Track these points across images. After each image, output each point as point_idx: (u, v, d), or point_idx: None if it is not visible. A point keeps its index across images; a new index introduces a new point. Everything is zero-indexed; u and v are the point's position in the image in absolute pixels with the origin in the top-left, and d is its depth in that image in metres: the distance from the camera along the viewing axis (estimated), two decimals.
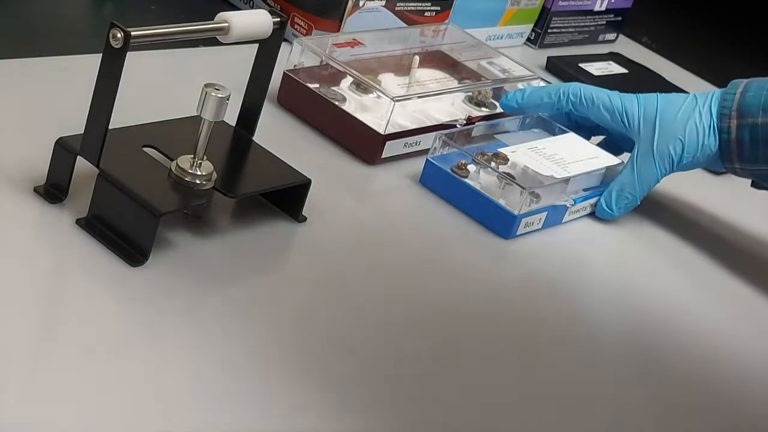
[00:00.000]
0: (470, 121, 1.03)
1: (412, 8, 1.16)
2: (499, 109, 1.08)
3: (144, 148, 0.80)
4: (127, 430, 0.63)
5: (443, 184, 0.95)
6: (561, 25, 1.37)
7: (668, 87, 1.35)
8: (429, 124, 1.01)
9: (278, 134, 0.94)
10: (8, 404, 0.61)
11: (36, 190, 0.78)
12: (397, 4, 1.14)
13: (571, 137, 1.02)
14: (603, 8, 1.41)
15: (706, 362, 0.87)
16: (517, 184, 0.92)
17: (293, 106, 1.01)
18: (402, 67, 1.05)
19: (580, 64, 1.31)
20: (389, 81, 1.03)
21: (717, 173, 1.14)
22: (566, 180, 0.96)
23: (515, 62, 1.13)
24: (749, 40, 1.65)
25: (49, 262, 0.75)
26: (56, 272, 0.75)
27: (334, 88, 1.01)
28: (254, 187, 0.84)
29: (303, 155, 0.90)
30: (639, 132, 0.98)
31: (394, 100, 0.96)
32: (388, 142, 0.97)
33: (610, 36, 1.46)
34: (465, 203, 0.94)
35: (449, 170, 0.94)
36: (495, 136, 1.01)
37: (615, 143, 1.05)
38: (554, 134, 1.03)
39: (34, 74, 0.93)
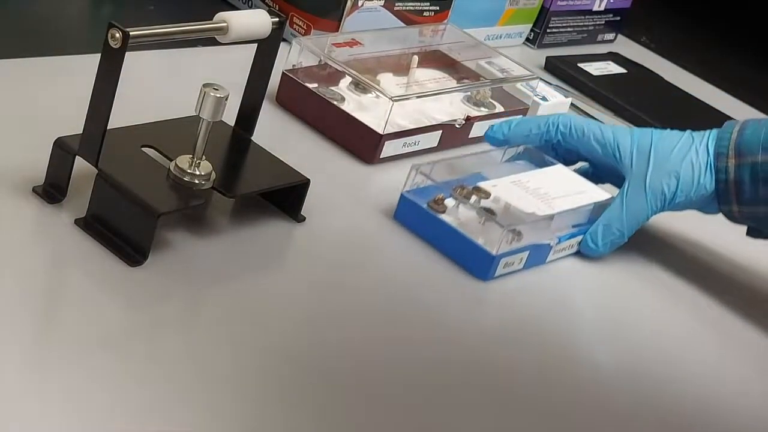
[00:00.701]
0: (469, 120, 1.03)
1: (411, 8, 1.16)
2: (498, 109, 1.08)
3: (143, 148, 0.80)
4: (126, 429, 0.63)
5: (418, 220, 0.88)
6: (560, 24, 1.37)
7: (667, 87, 1.36)
8: (428, 123, 1.01)
9: (277, 134, 0.94)
10: (7, 404, 0.61)
11: (35, 190, 0.78)
12: (396, 4, 1.14)
13: (559, 170, 0.96)
14: (602, 8, 1.41)
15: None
16: (497, 222, 0.86)
17: (292, 106, 1.01)
18: (401, 67, 1.05)
19: (579, 64, 1.31)
20: (388, 81, 1.03)
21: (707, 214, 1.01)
22: (550, 217, 0.90)
23: (514, 62, 1.13)
24: (748, 40, 1.65)
25: (48, 263, 0.75)
26: (55, 272, 0.75)
27: (332, 88, 1.01)
28: (253, 186, 0.84)
29: (302, 155, 0.90)
30: (631, 166, 0.92)
31: (392, 100, 0.96)
32: (386, 142, 0.97)
33: (609, 36, 1.46)
34: (440, 241, 0.87)
35: (425, 205, 0.88)
36: (477, 168, 0.95)
37: (597, 174, 0.98)
38: (541, 166, 0.96)
39: (32, 74, 0.93)
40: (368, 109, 0.99)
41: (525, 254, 0.88)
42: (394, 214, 0.89)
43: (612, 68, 1.34)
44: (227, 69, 0.89)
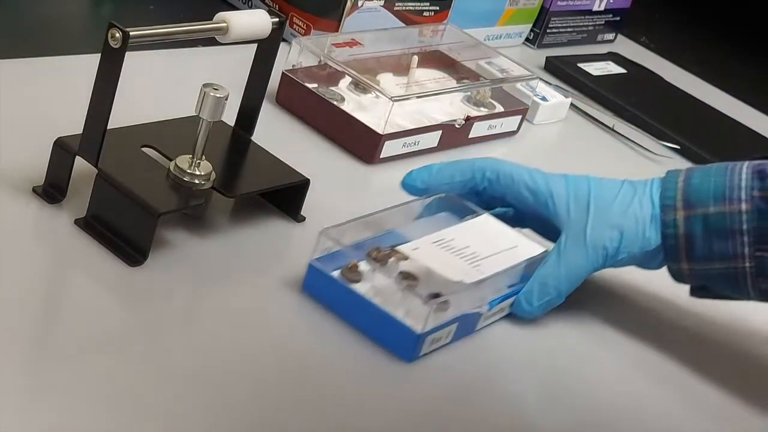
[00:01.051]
0: (469, 120, 1.03)
1: (411, 8, 1.16)
2: (498, 109, 1.08)
3: (143, 148, 0.80)
4: (125, 429, 0.63)
5: (329, 292, 0.76)
6: (560, 25, 1.37)
7: (667, 87, 1.36)
8: (428, 124, 1.01)
9: (277, 134, 0.94)
10: (7, 403, 0.61)
11: (35, 190, 0.78)
12: (396, 4, 1.14)
13: (485, 221, 0.85)
14: (602, 8, 1.41)
15: None
16: (418, 294, 0.74)
17: (292, 106, 1.01)
18: (401, 67, 1.05)
19: (579, 64, 1.31)
20: (388, 81, 1.03)
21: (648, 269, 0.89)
22: (480, 283, 0.78)
23: (514, 62, 1.13)
24: (748, 40, 1.65)
25: (48, 263, 0.75)
26: (55, 272, 0.75)
27: (332, 88, 1.01)
28: (253, 186, 0.84)
29: (302, 155, 0.90)
30: (568, 217, 0.82)
31: (392, 100, 0.96)
32: (386, 142, 0.97)
33: (609, 36, 1.46)
34: (356, 317, 0.75)
35: (338, 274, 0.76)
36: (395, 224, 0.83)
37: (519, 219, 0.88)
38: (462, 214, 0.86)
39: (32, 74, 0.93)
40: (368, 109, 0.99)
41: (453, 327, 0.77)
42: (303, 285, 0.78)
43: (612, 68, 1.34)
44: (227, 69, 0.89)
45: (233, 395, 0.67)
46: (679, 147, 1.19)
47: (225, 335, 0.72)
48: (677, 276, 0.83)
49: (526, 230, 0.87)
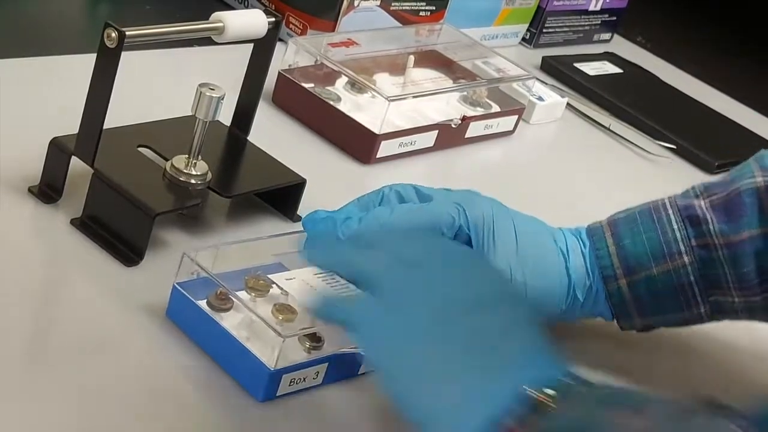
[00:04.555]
0: (465, 120, 1.03)
1: (407, 8, 1.16)
2: (494, 108, 1.08)
3: (139, 148, 0.80)
4: (124, 428, 0.63)
5: (192, 320, 0.70)
6: (556, 24, 1.37)
7: (663, 87, 1.36)
8: (424, 123, 1.01)
9: (273, 134, 0.94)
10: (4, 403, 0.61)
11: (30, 190, 0.78)
12: (392, 4, 1.14)
13: None
14: (598, 8, 1.41)
15: None
16: (272, 326, 0.68)
17: (288, 106, 1.01)
18: (397, 67, 1.05)
19: (575, 64, 1.31)
20: (384, 81, 1.03)
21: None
22: None
23: (510, 62, 1.13)
24: (743, 39, 1.65)
25: (44, 263, 0.74)
26: (50, 272, 0.75)
27: (329, 88, 1.01)
28: (249, 186, 0.84)
29: (298, 155, 0.90)
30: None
31: (389, 100, 0.96)
32: (383, 142, 0.97)
33: (605, 36, 1.46)
34: (214, 348, 0.69)
35: (203, 302, 0.70)
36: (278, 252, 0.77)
37: None
38: None
39: (28, 74, 0.93)
40: (364, 109, 0.99)
41: (323, 367, 0.69)
42: (166, 310, 0.72)
43: (608, 68, 1.34)
44: (223, 69, 0.89)
45: (231, 393, 0.67)
46: (675, 147, 1.19)
47: None
48: (628, 327, 0.80)
49: None
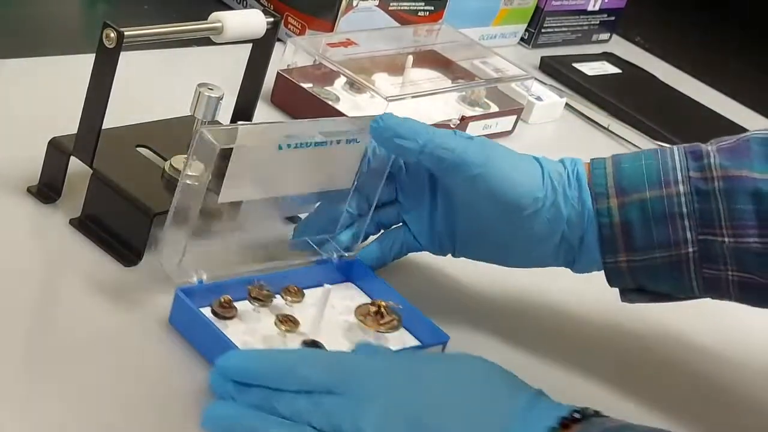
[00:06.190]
0: (464, 120, 1.03)
1: (406, 8, 1.16)
2: (493, 108, 1.08)
3: (137, 148, 0.80)
4: (123, 429, 0.63)
5: (194, 328, 0.69)
6: (554, 24, 1.37)
7: (661, 87, 1.36)
8: None
9: None
10: (3, 403, 0.61)
11: (29, 190, 0.78)
12: (391, 4, 1.14)
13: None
14: (596, 8, 1.41)
15: None
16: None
17: (287, 106, 1.01)
18: (395, 67, 1.05)
19: (574, 64, 1.31)
20: (383, 81, 1.03)
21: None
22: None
23: (509, 62, 1.13)
24: (741, 39, 1.65)
25: (42, 263, 0.74)
26: (49, 273, 0.74)
27: (327, 88, 1.01)
28: None
29: None
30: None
31: (387, 100, 0.96)
32: None
33: (604, 36, 1.46)
34: (215, 356, 0.66)
35: (207, 310, 0.70)
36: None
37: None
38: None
39: (26, 74, 0.93)
40: (363, 109, 0.99)
41: None
42: (170, 317, 0.70)
43: (606, 68, 1.34)
44: (222, 69, 0.89)
45: None
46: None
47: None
48: (614, 273, 0.77)
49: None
